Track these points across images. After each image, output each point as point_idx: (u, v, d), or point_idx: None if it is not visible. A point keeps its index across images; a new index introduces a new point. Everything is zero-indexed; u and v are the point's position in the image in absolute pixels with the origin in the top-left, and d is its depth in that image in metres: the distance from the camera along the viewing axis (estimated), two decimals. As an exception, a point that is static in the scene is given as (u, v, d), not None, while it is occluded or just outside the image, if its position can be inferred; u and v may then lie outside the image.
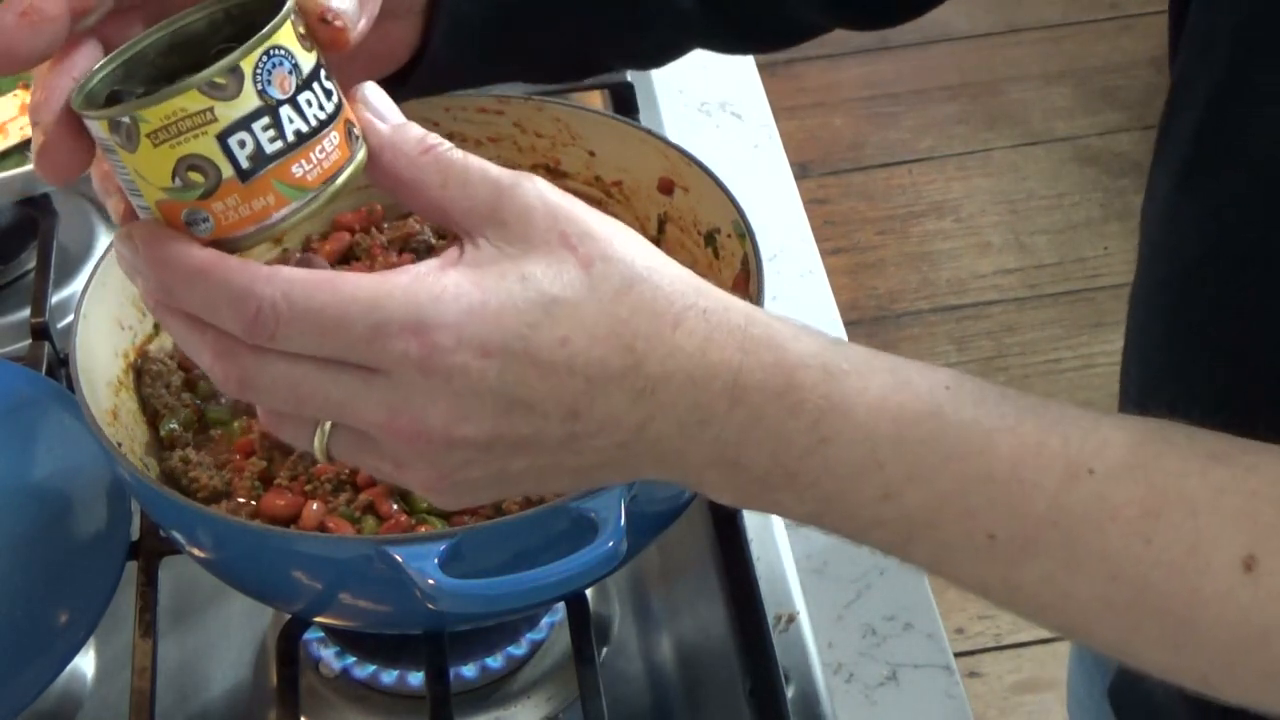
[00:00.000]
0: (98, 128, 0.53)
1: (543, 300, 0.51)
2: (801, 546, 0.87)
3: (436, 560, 0.64)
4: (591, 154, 0.85)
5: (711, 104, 1.17)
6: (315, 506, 0.75)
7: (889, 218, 2.65)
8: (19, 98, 1.08)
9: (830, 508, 0.54)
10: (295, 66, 0.53)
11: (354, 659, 0.82)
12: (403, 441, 0.52)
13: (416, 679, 0.81)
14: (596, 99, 1.14)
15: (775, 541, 0.87)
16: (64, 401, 0.87)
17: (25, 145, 1.06)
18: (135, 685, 0.76)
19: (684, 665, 0.83)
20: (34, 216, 1.06)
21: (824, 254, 1.07)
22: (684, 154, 0.81)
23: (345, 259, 0.88)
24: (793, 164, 1.13)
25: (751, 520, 0.85)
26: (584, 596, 0.79)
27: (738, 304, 0.54)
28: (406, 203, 0.55)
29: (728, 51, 0.79)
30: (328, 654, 0.83)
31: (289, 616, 0.80)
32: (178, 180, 0.53)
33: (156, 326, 0.84)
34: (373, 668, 0.82)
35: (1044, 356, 2.40)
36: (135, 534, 0.83)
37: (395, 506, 0.74)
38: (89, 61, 0.54)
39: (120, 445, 0.74)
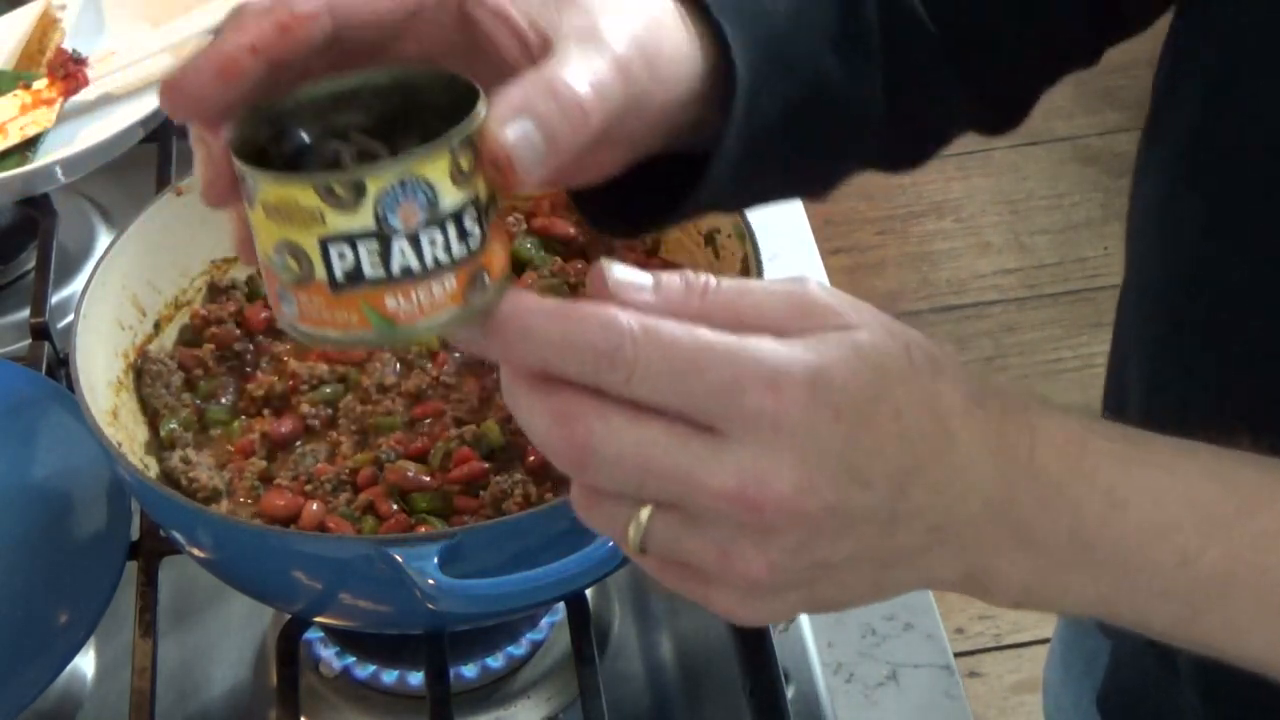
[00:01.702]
0: (235, 164, 0.51)
1: (879, 373, 0.50)
2: (801, 546, 0.87)
3: (436, 560, 0.64)
4: (591, 154, 0.85)
5: (711, 104, 1.17)
6: (315, 506, 0.75)
7: (889, 218, 2.65)
8: (19, 98, 1.08)
9: (1123, 584, 0.53)
10: (431, 202, 0.49)
11: (354, 659, 0.82)
12: (746, 512, 0.49)
13: (416, 679, 0.81)
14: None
15: (775, 541, 0.87)
16: (64, 401, 0.87)
17: (25, 145, 1.06)
18: (135, 685, 0.76)
19: (684, 665, 0.83)
20: (34, 216, 1.06)
21: (824, 254, 1.07)
22: (684, 154, 0.81)
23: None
24: (793, 164, 1.13)
25: (751, 520, 0.85)
26: (584, 596, 0.79)
27: (1011, 385, 0.54)
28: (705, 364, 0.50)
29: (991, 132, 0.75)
30: (328, 654, 0.83)
31: (289, 616, 0.80)
32: (277, 256, 0.50)
33: (157, 326, 0.84)
34: (373, 668, 0.82)
35: (1044, 356, 2.40)
36: (135, 534, 0.83)
37: (395, 506, 0.74)
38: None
39: (120, 445, 0.74)
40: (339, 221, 0.49)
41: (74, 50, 1.11)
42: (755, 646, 0.79)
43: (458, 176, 0.49)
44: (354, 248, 0.49)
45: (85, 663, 0.85)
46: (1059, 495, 0.52)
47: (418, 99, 0.53)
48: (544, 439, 0.49)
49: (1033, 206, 2.64)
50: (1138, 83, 2.83)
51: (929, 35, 0.65)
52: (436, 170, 0.49)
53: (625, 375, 0.48)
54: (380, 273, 0.49)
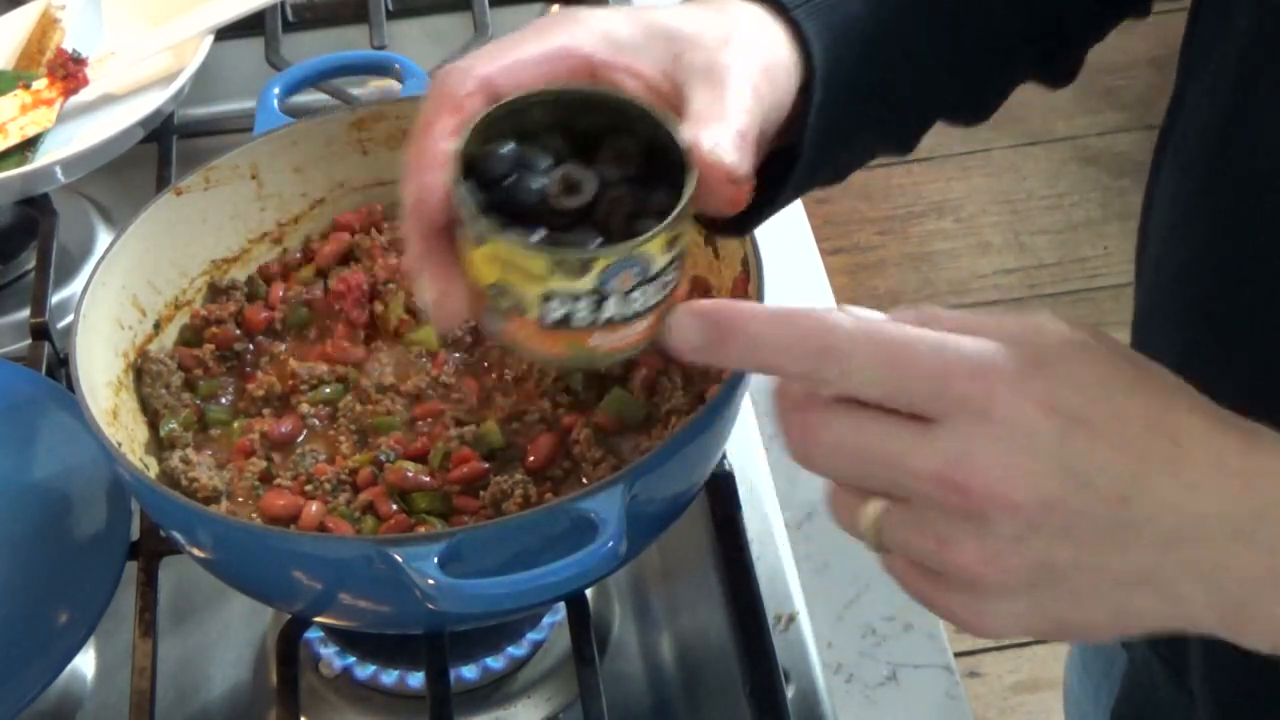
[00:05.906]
0: (455, 197, 0.56)
1: (1103, 377, 0.50)
2: (802, 547, 0.87)
3: (436, 560, 0.64)
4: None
5: (711, 104, 1.17)
6: (315, 506, 0.75)
7: (889, 218, 2.65)
8: (19, 98, 1.08)
9: None
10: (645, 268, 0.54)
11: (354, 659, 0.82)
12: (953, 494, 0.50)
13: (416, 679, 0.81)
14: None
15: (775, 541, 0.87)
16: (64, 401, 0.87)
17: (25, 145, 1.06)
18: (135, 685, 0.76)
19: (684, 665, 0.83)
20: (34, 216, 1.06)
21: (824, 254, 1.07)
22: (684, 154, 0.81)
23: (345, 259, 0.88)
24: (793, 164, 1.12)
25: (751, 520, 0.85)
26: (584, 596, 0.79)
27: (1260, 425, 0.52)
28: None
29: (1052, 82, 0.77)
30: (328, 654, 0.83)
31: (289, 616, 0.80)
32: (492, 291, 0.56)
33: (157, 326, 0.84)
34: (373, 668, 0.82)
35: (1044, 356, 2.40)
36: (135, 534, 0.83)
37: (395, 506, 0.75)
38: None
39: (120, 445, 0.74)
40: (562, 284, 0.54)
41: (74, 50, 1.11)
42: (755, 646, 0.79)
43: (669, 244, 0.55)
44: (570, 303, 0.55)
45: (85, 663, 0.85)
46: None
47: (613, 114, 0.58)
48: (781, 420, 0.54)
49: (1033, 206, 2.64)
50: (1137, 83, 2.83)
51: None
52: (655, 246, 0.54)
53: (841, 368, 0.51)
54: (588, 320, 0.55)
